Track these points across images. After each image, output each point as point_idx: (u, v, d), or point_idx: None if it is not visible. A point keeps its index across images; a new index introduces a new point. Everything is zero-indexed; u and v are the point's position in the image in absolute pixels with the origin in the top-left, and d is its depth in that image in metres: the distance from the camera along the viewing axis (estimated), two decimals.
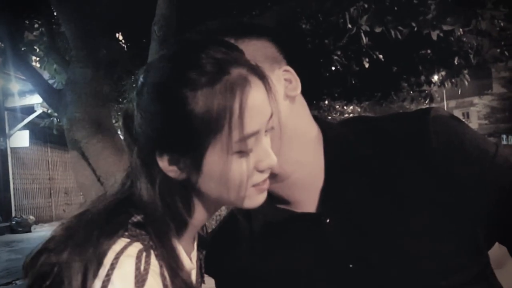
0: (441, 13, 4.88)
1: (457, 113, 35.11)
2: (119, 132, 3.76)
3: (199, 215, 0.87)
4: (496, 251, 0.95)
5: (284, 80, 0.95)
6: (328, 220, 0.90)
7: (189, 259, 0.89)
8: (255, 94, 0.78)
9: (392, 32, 5.51)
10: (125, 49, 6.60)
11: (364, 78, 8.30)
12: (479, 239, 0.89)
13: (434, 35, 5.16)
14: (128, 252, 0.76)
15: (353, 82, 8.68)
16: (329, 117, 20.60)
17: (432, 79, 8.68)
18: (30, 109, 14.06)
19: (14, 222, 13.80)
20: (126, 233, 0.78)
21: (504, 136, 25.53)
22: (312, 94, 11.08)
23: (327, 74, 8.75)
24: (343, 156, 0.92)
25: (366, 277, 0.87)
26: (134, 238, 0.78)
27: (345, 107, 20.31)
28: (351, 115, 22.58)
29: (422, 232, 0.86)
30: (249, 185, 0.81)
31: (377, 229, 0.88)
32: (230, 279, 1.02)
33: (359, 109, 22.70)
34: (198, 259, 0.98)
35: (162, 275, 0.78)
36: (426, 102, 10.04)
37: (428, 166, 0.88)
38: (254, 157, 0.81)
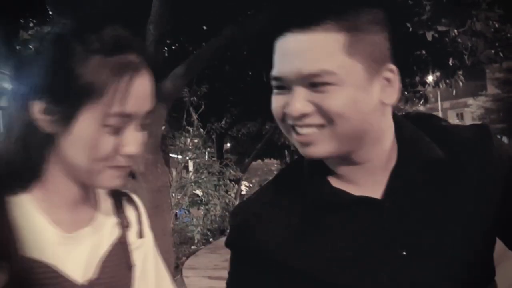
0: (436, 14, 4.89)
1: (452, 114, 35.22)
2: None
3: (62, 179, 0.87)
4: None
5: (384, 79, 0.90)
6: (388, 205, 0.92)
7: (51, 225, 0.86)
8: (141, 82, 0.84)
9: None
10: None
11: None
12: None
13: (429, 35, 5.18)
14: None
15: None
16: None
17: (427, 80, 8.70)
18: None
19: None
20: None
21: (498, 137, 25.54)
22: None
23: None
24: (419, 156, 0.95)
25: (416, 265, 0.90)
26: None
27: None
28: None
29: (471, 235, 0.92)
30: (107, 164, 0.84)
31: (432, 223, 0.92)
32: (266, 256, 0.97)
33: None
34: (121, 219, 0.99)
35: None
36: (421, 102, 10.06)
37: (492, 175, 0.94)
38: (121, 140, 0.83)
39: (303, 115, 0.87)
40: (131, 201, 1.04)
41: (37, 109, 0.81)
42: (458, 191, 0.94)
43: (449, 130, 1.01)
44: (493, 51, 6.55)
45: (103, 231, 0.94)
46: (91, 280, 0.89)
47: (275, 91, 0.93)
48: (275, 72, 0.90)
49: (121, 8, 4.64)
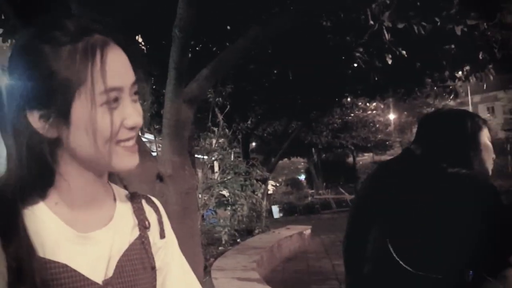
0: (464, 8, 4.79)
1: (482, 108, 34.54)
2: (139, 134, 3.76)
3: (76, 179, 0.89)
4: None
5: None
6: None
7: (65, 226, 0.88)
8: (115, 55, 0.87)
9: (415, 28, 5.42)
10: (145, 51, 6.61)
11: (387, 74, 8.19)
12: None
13: (458, 30, 5.07)
14: None
15: (376, 79, 8.59)
16: (352, 115, 20.46)
17: (457, 74, 8.54)
18: None
19: None
20: None
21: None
22: (335, 91, 11.03)
23: (349, 71, 8.68)
24: None
25: None
26: None
27: (368, 104, 20.12)
28: (373, 112, 22.40)
29: None
30: (115, 140, 0.86)
31: None
32: None
33: (382, 106, 22.51)
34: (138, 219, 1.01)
35: None
36: (451, 97, 9.90)
37: None
38: (120, 114, 0.87)
39: None
40: (151, 203, 1.06)
41: (33, 119, 0.84)
42: None
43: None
44: None
45: (122, 232, 0.96)
46: (109, 280, 0.91)
47: None
48: None
49: (146, 13, 4.65)
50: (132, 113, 0.88)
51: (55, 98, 0.83)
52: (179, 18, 3.42)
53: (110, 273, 0.91)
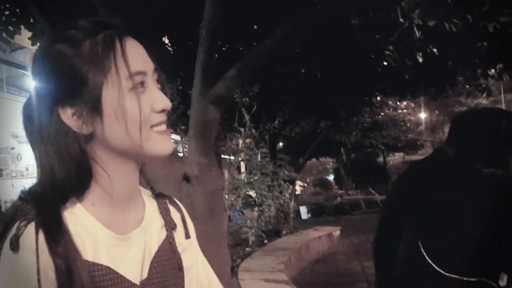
0: (497, 5, 4.68)
1: None
2: None
3: (114, 175, 0.89)
4: None
5: None
6: None
7: (104, 228, 0.89)
8: (133, 45, 0.89)
9: (446, 25, 5.31)
10: (171, 52, 6.63)
11: (417, 73, 8.06)
12: None
13: (491, 27, 4.95)
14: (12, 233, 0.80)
15: (406, 77, 8.46)
16: (382, 114, 20.23)
17: (489, 72, 8.36)
18: None
19: None
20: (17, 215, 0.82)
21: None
22: (364, 90, 10.91)
23: (379, 70, 8.57)
24: None
25: None
26: (19, 216, 0.82)
27: (398, 103, 19.87)
28: (404, 111, 22.11)
29: None
30: (148, 125, 0.87)
31: None
32: None
33: (413, 105, 22.21)
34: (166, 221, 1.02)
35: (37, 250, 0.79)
36: (483, 96, 9.71)
37: None
38: (148, 99, 0.88)
39: None
40: (174, 203, 1.08)
41: (67, 117, 0.85)
42: None
43: None
44: None
45: (152, 232, 0.98)
46: (145, 281, 0.92)
47: None
48: None
49: (173, 14, 4.65)
50: (160, 96, 0.90)
51: (84, 92, 0.84)
52: (205, 19, 3.41)
53: (145, 274, 0.93)
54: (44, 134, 0.86)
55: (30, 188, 0.87)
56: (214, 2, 3.38)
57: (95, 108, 0.84)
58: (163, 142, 0.90)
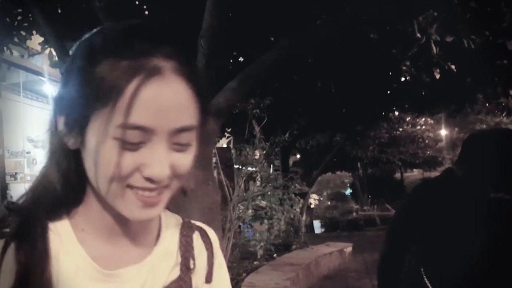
0: None
1: None
2: None
3: (97, 208, 0.79)
4: None
5: None
6: None
7: (87, 258, 0.78)
8: (163, 90, 0.69)
9: (465, 41, 5.20)
10: None
11: (435, 89, 7.93)
12: None
13: (510, 44, 4.83)
14: None
15: (424, 93, 8.32)
16: (400, 129, 20.03)
17: (510, 91, 8.18)
18: None
19: None
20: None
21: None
22: (381, 105, 10.79)
23: (396, 85, 8.46)
24: None
25: None
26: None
27: (416, 119, 19.66)
28: (423, 127, 21.87)
29: None
30: (123, 182, 0.71)
31: None
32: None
33: (432, 121, 21.97)
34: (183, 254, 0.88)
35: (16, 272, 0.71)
36: (503, 115, 9.54)
37: None
38: (138, 158, 0.70)
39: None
40: (205, 237, 0.92)
41: (60, 121, 0.75)
42: None
43: None
44: None
45: (159, 271, 0.83)
46: None
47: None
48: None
49: (173, 23, 4.62)
50: (153, 163, 0.71)
51: (77, 106, 0.72)
52: (204, 29, 3.40)
53: None
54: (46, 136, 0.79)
55: (19, 198, 0.78)
56: (212, 13, 3.37)
57: (80, 130, 0.72)
58: (137, 208, 0.74)
